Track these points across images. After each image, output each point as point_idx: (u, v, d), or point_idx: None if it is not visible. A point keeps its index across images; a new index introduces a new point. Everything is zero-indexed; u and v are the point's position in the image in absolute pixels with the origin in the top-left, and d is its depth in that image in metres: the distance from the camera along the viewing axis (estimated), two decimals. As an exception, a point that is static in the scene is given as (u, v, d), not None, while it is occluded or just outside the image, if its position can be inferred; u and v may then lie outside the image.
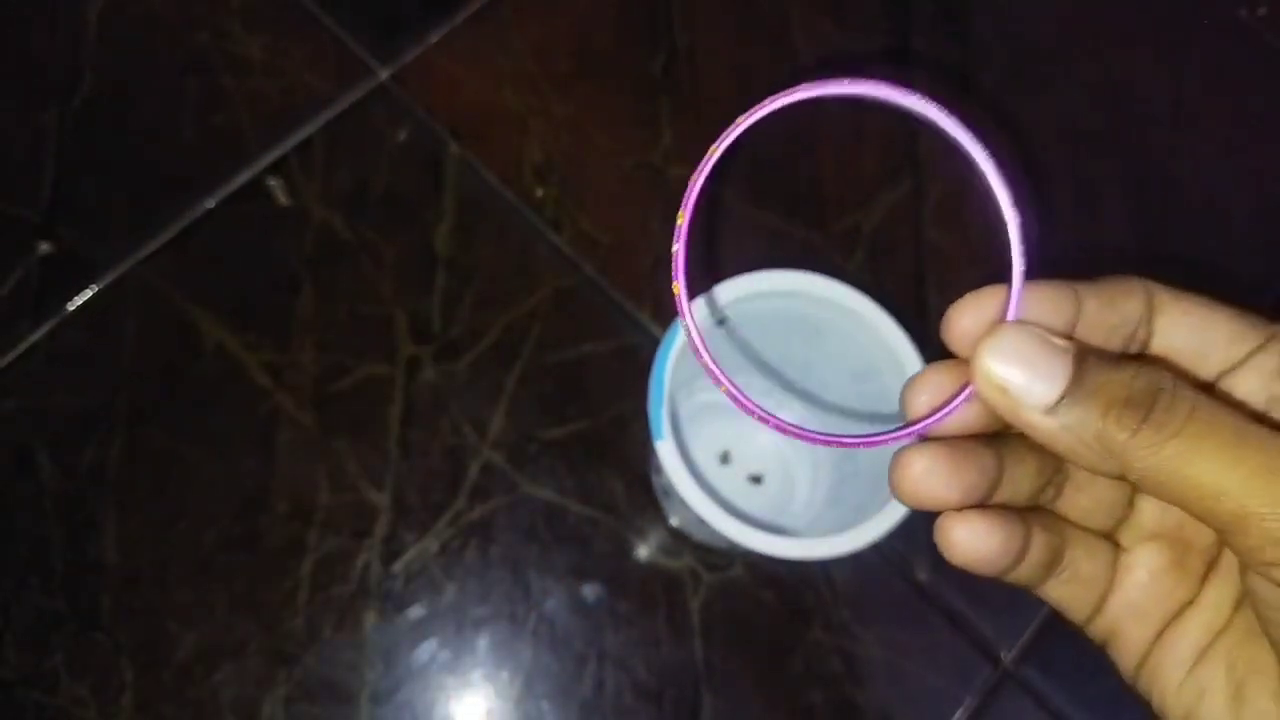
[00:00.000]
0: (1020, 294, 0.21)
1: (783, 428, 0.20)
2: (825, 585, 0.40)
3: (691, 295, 0.33)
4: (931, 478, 0.21)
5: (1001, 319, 0.21)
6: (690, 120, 0.46)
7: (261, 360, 0.41)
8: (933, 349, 0.43)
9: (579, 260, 0.43)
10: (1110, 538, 0.24)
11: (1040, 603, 0.25)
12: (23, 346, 0.40)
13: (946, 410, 0.21)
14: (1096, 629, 0.24)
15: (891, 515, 0.31)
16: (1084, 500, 0.24)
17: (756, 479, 0.41)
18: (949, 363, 0.22)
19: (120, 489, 0.38)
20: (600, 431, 0.41)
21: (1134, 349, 0.22)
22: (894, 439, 0.21)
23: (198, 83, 0.44)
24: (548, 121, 0.45)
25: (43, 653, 0.36)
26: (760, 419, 0.20)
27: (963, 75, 0.49)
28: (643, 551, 0.40)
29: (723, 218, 0.45)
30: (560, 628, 0.39)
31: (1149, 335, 0.22)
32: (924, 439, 0.21)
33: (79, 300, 0.41)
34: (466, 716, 0.37)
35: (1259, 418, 0.21)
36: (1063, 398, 0.19)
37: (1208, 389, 0.21)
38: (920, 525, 0.44)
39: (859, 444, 0.21)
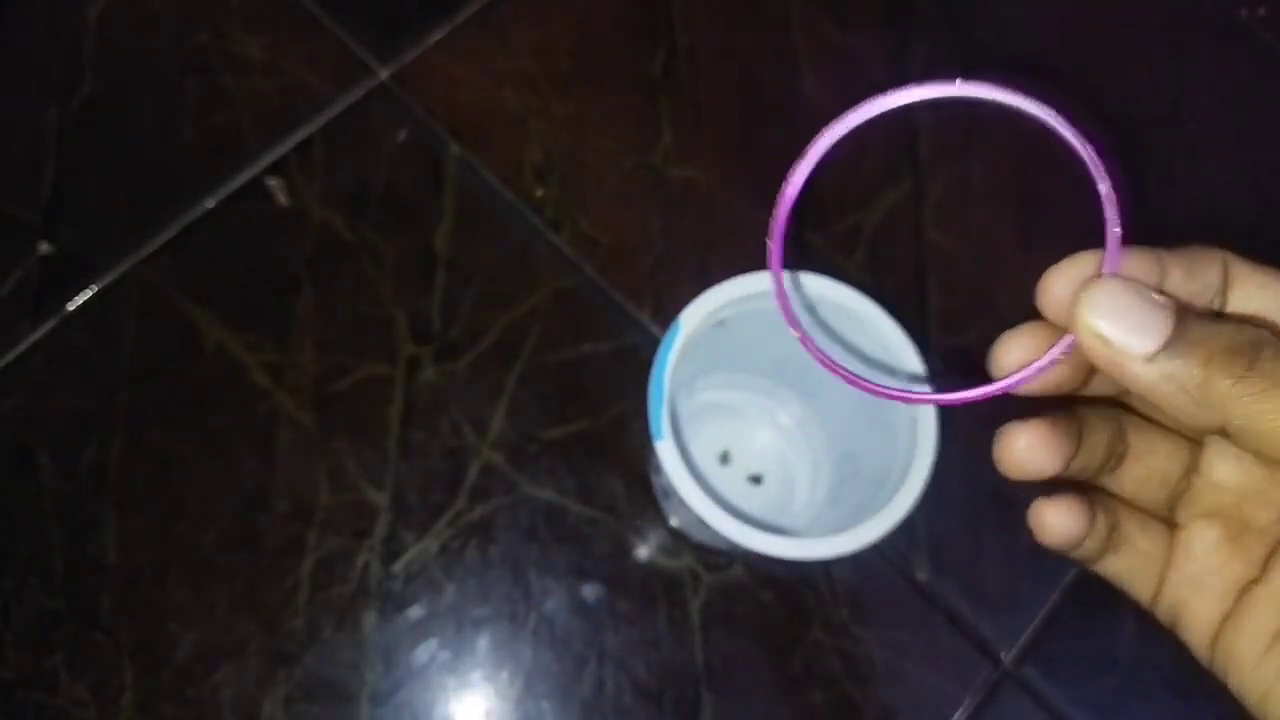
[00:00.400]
0: (1116, 251, 0.21)
1: (857, 382, 0.21)
2: (825, 585, 0.40)
3: (690, 296, 0.33)
4: (1034, 451, 0.22)
5: (1099, 275, 0.21)
6: (690, 120, 0.46)
7: (261, 360, 0.41)
8: (933, 349, 0.43)
9: (579, 260, 0.43)
10: (1165, 517, 0.25)
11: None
12: (23, 346, 0.40)
13: (1040, 365, 0.21)
14: (1162, 609, 0.24)
15: (892, 515, 0.31)
16: (1140, 470, 0.24)
17: (756, 479, 0.41)
18: (1038, 324, 0.22)
19: (120, 489, 0.38)
20: (600, 431, 0.41)
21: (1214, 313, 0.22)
22: (983, 395, 0.22)
23: (198, 83, 0.44)
24: (548, 121, 0.45)
25: (43, 653, 0.36)
26: (838, 372, 0.21)
27: (963, 75, 0.49)
28: (643, 551, 0.40)
29: (723, 218, 0.45)
30: (560, 628, 0.39)
31: (1224, 305, 0.22)
32: (1008, 397, 0.22)
33: (79, 300, 0.41)
34: (466, 716, 0.37)
35: None
36: (1164, 347, 0.19)
37: None
38: (920, 525, 0.44)
39: (951, 400, 0.22)
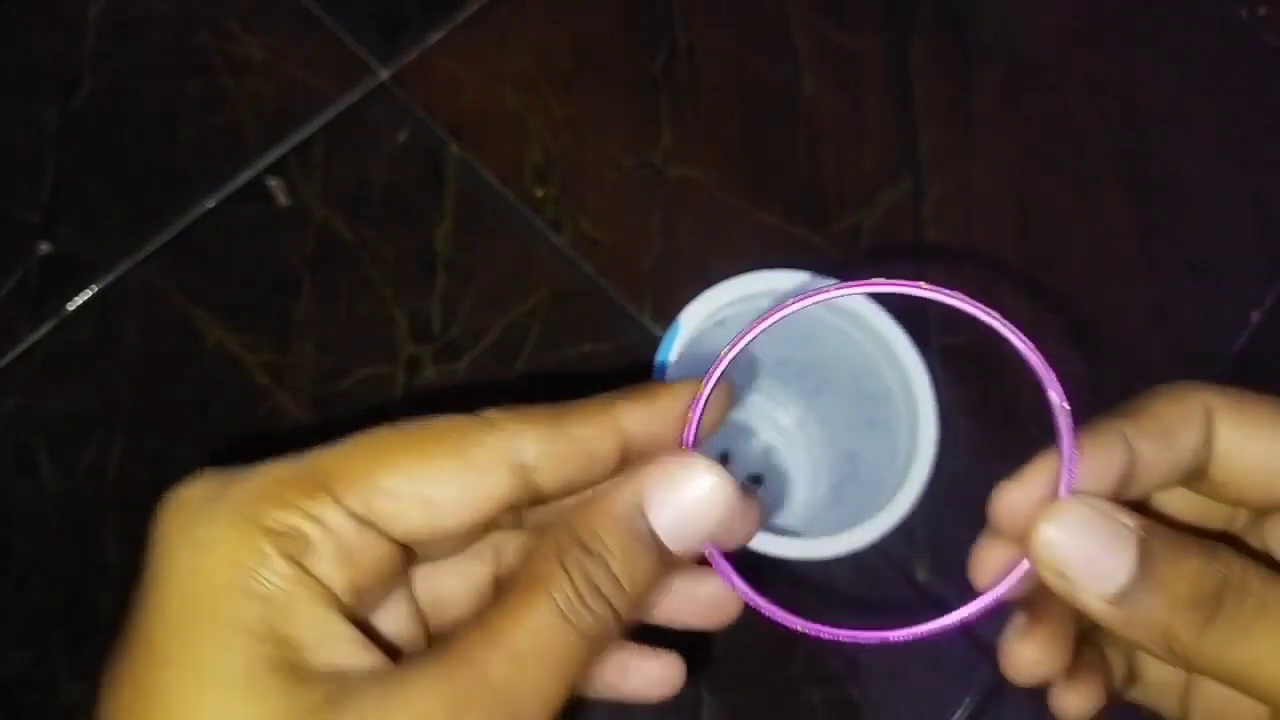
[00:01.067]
0: (1073, 466, 0.19)
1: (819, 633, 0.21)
2: (825, 585, 0.40)
3: (690, 296, 0.33)
4: (1040, 665, 0.22)
5: (1055, 491, 0.19)
6: (690, 120, 0.46)
7: (261, 360, 0.41)
8: (933, 349, 0.43)
9: (579, 260, 0.43)
10: None
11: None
12: (23, 346, 0.40)
13: (997, 595, 0.21)
14: None
15: (891, 515, 0.31)
16: None
17: (756, 479, 0.41)
18: (1001, 537, 0.21)
19: (120, 489, 0.38)
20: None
21: (1193, 476, 0.21)
22: (945, 628, 0.21)
23: (198, 83, 0.44)
24: (548, 121, 0.45)
25: (43, 653, 0.36)
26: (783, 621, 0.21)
27: (963, 75, 0.49)
28: (643, 551, 0.40)
29: (723, 218, 0.45)
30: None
31: (1209, 459, 0.21)
32: (996, 609, 0.22)
33: (79, 300, 0.41)
34: (466, 716, 0.37)
35: None
36: (1126, 588, 0.18)
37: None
38: (920, 525, 0.44)
39: (904, 639, 0.22)
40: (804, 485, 0.40)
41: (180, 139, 0.43)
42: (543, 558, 0.18)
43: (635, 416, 0.20)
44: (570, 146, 0.45)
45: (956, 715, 0.39)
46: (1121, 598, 0.18)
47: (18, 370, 0.40)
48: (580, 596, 0.18)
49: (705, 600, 0.23)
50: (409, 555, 0.20)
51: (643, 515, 0.19)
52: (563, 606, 0.18)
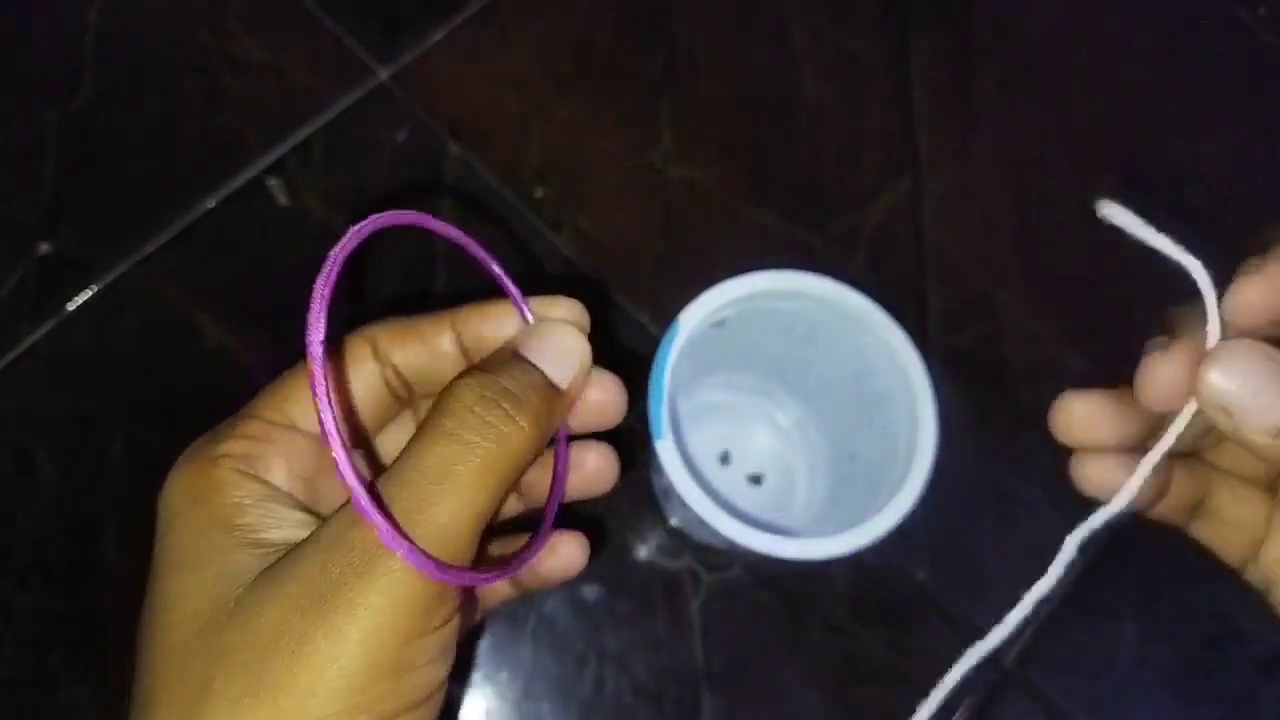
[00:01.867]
0: (1216, 312, 0.21)
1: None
2: (825, 585, 0.40)
3: (690, 296, 0.33)
4: (1093, 422, 0.23)
5: (1205, 343, 0.21)
6: (690, 120, 0.46)
7: (262, 360, 0.41)
8: (933, 349, 0.43)
9: (579, 261, 0.43)
10: (1271, 487, 0.25)
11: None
12: (23, 346, 0.40)
13: (1164, 448, 0.22)
14: (1254, 575, 0.24)
15: (892, 515, 0.31)
16: (1239, 449, 0.24)
17: (756, 479, 0.41)
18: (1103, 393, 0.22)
19: (120, 489, 0.38)
20: (600, 431, 0.41)
21: None
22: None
23: (198, 83, 0.44)
24: (548, 121, 0.45)
25: (43, 653, 0.36)
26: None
27: (963, 75, 0.49)
28: (642, 551, 0.40)
29: (723, 218, 0.45)
30: (560, 628, 0.39)
31: None
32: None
33: (79, 300, 0.41)
34: (466, 716, 0.37)
35: None
36: None
37: None
38: (920, 525, 0.44)
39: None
40: (804, 485, 0.40)
41: (180, 139, 0.43)
42: (435, 403, 0.22)
43: (468, 319, 0.25)
44: (570, 146, 0.45)
45: (956, 715, 0.39)
46: None
47: (18, 370, 0.40)
48: (472, 413, 0.22)
49: (590, 471, 0.27)
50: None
51: (519, 350, 0.24)
52: (453, 428, 0.21)
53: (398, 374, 0.25)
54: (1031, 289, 0.46)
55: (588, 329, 0.25)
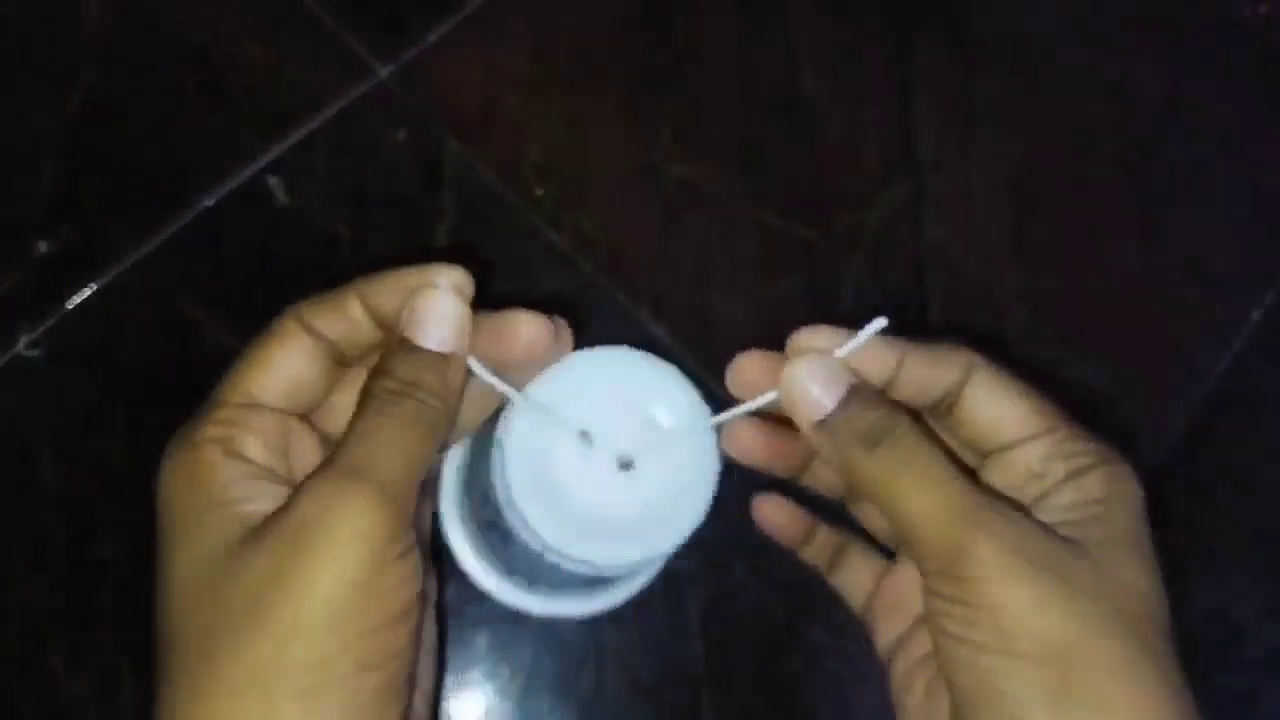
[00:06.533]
0: (856, 346, 0.27)
1: None
2: (825, 585, 0.40)
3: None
4: (755, 447, 0.31)
5: (823, 348, 0.28)
6: (690, 120, 0.46)
7: (261, 360, 0.41)
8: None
9: (579, 260, 0.43)
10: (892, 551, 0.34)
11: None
12: (22, 345, 0.40)
13: (749, 408, 0.29)
14: (865, 617, 0.34)
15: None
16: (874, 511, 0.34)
17: (626, 465, 0.31)
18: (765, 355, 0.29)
19: (120, 489, 0.38)
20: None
21: (945, 406, 0.29)
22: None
23: (197, 82, 0.44)
24: (548, 121, 0.45)
25: (43, 652, 0.36)
26: None
27: (963, 75, 0.49)
28: (643, 551, 0.40)
29: (723, 218, 0.45)
30: (560, 627, 0.39)
31: (958, 400, 0.28)
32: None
33: (79, 300, 0.41)
34: (466, 716, 0.37)
35: (1015, 495, 0.28)
36: (825, 418, 0.27)
37: (990, 455, 0.29)
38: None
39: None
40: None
41: (179, 138, 0.43)
42: (358, 401, 0.27)
43: (368, 291, 0.28)
44: (570, 146, 0.45)
45: (956, 715, 0.39)
46: (820, 423, 0.27)
47: (18, 369, 0.40)
48: (386, 392, 0.27)
49: (522, 343, 0.29)
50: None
51: (403, 337, 0.27)
52: (378, 395, 0.27)
53: (329, 342, 0.29)
54: (1031, 289, 0.46)
55: (469, 288, 0.28)
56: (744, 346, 0.29)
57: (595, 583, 0.37)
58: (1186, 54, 0.51)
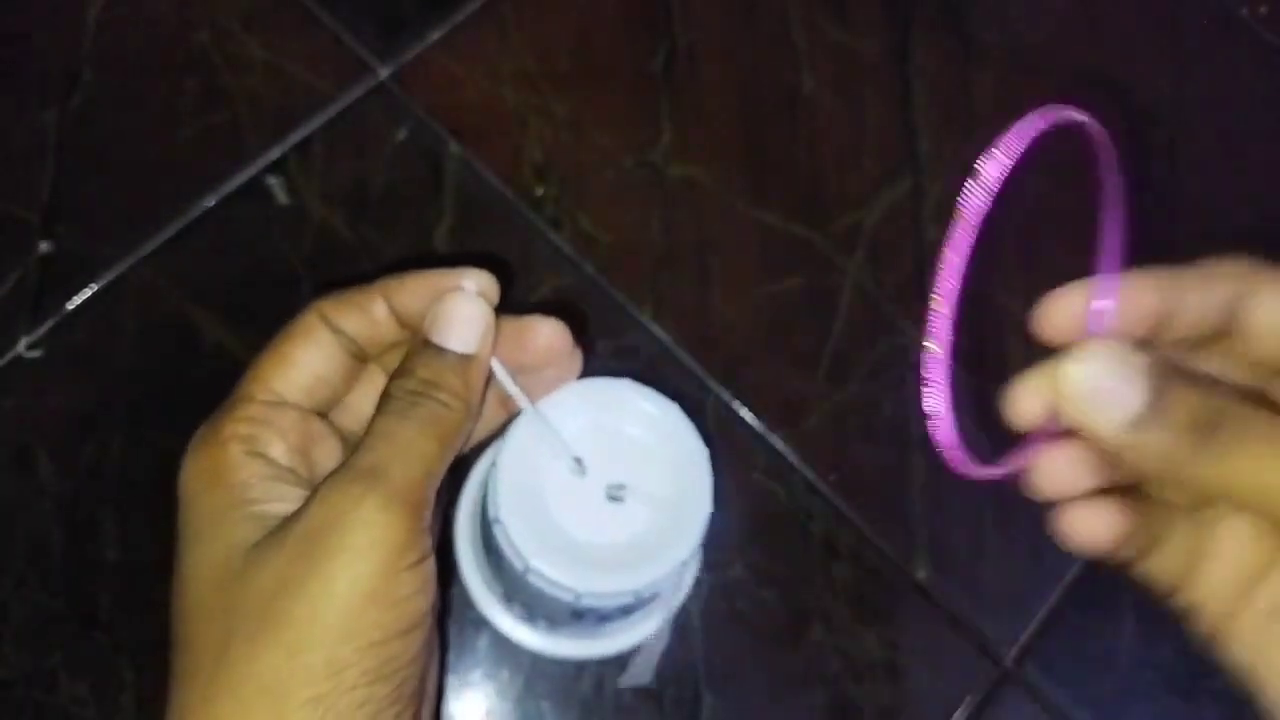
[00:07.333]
0: (1104, 307, 0.23)
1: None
2: (825, 585, 0.40)
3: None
4: (1072, 474, 0.24)
5: (1084, 329, 0.23)
6: (690, 120, 0.46)
7: (261, 360, 0.41)
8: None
9: (579, 260, 0.43)
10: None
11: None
12: (22, 346, 0.40)
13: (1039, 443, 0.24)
14: (1180, 603, 0.26)
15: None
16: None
17: (617, 492, 0.31)
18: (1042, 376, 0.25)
19: (120, 489, 0.38)
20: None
21: (1224, 328, 0.24)
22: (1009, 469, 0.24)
23: (198, 82, 0.44)
24: (548, 121, 0.45)
25: (43, 652, 0.36)
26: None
27: (963, 75, 0.49)
28: (643, 551, 0.40)
29: (723, 218, 0.45)
30: (560, 627, 0.39)
31: (1245, 316, 0.24)
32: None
33: (79, 300, 0.41)
34: (466, 716, 0.37)
35: None
36: (1137, 419, 0.21)
37: None
38: (920, 525, 0.44)
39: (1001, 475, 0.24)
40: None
41: (180, 138, 0.43)
42: (378, 402, 0.27)
43: (392, 290, 0.29)
44: (570, 146, 0.45)
45: (956, 715, 0.39)
46: (1133, 426, 0.21)
47: (18, 370, 0.40)
48: (406, 394, 0.26)
49: (543, 346, 0.29)
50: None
51: (428, 338, 0.28)
52: (397, 396, 0.27)
53: (350, 339, 0.29)
54: (1032, 289, 0.45)
55: (494, 293, 0.29)
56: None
57: (592, 624, 0.35)
58: (1186, 54, 0.51)
